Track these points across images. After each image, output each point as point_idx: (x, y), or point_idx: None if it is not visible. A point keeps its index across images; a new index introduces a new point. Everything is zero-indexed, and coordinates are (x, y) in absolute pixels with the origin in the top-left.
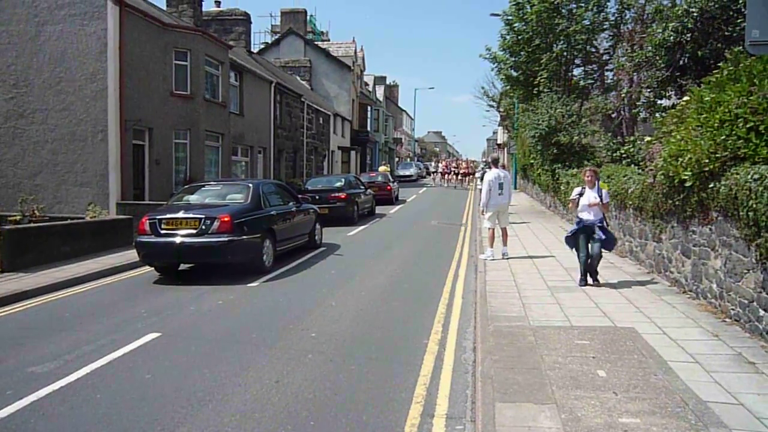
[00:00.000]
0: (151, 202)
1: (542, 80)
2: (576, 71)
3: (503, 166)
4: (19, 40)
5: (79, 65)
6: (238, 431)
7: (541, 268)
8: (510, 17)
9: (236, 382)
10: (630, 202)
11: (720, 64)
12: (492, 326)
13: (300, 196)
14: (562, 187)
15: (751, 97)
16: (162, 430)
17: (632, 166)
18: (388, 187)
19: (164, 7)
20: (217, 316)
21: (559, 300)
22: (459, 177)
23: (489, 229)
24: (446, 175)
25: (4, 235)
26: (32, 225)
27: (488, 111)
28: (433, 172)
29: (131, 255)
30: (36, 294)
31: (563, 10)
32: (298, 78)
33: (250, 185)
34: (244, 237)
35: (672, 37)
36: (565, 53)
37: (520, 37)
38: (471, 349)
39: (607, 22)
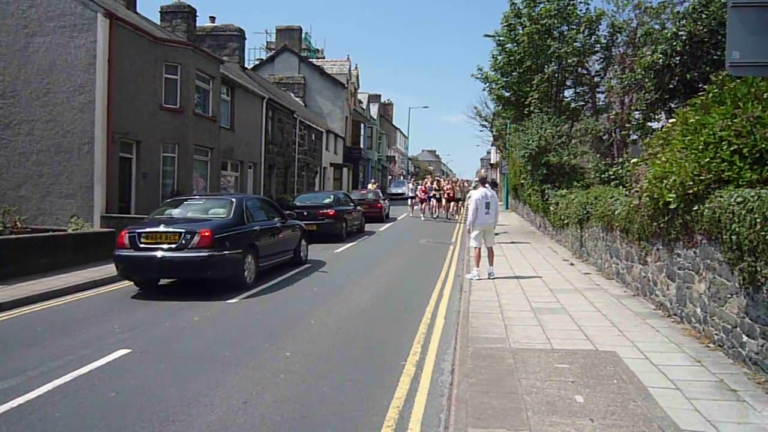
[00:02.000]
0: (136, 216)
1: (533, 101)
2: (567, 92)
3: (495, 185)
4: (7, 50)
5: (67, 77)
6: None
7: (526, 289)
8: (502, 38)
9: (203, 402)
10: (617, 224)
11: (706, 86)
12: (471, 348)
13: (288, 212)
14: (551, 208)
15: (735, 120)
16: None
17: (620, 187)
18: (379, 205)
19: (158, 22)
20: (192, 333)
21: (542, 322)
22: (444, 203)
23: (475, 248)
24: (424, 203)
25: None
26: (11, 237)
27: (481, 131)
28: (409, 197)
29: (112, 269)
30: (11, 307)
31: (555, 32)
32: (292, 95)
33: (233, 200)
34: (225, 252)
35: (661, 60)
36: (556, 74)
37: (511, 58)
38: (449, 371)
39: (598, 45)
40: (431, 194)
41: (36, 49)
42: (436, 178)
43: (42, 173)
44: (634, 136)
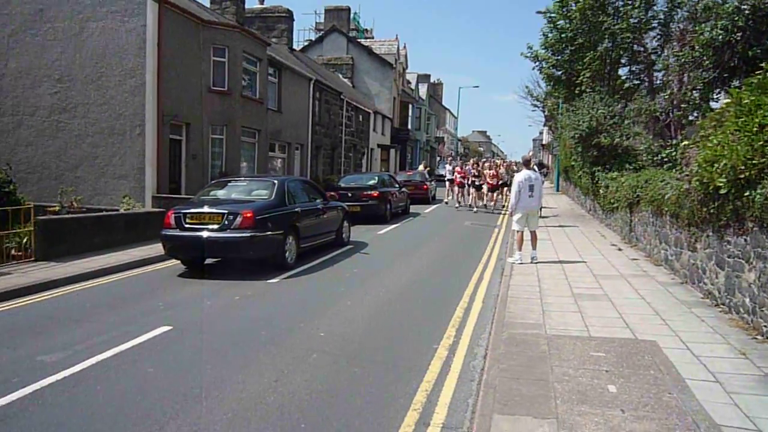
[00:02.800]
0: (185, 196)
1: (585, 80)
2: (621, 71)
3: (543, 167)
4: (63, 36)
5: (119, 61)
6: (226, 430)
7: (569, 274)
8: (553, 14)
9: (236, 379)
10: (666, 209)
11: (763, 64)
12: (506, 333)
13: (333, 193)
14: (601, 191)
15: None
16: (152, 425)
17: (673, 170)
18: (425, 187)
19: (207, 4)
20: (231, 311)
21: (582, 308)
22: (486, 192)
23: (518, 232)
24: (461, 188)
25: (39, 225)
26: (66, 216)
27: (533, 111)
28: (447, 180)
29: (161, 248)
30: (64, 283)
31: (609, 8)
32: (340, 75)
33: (275, 182)
34: (267, 233)
35: (721, 36)
36: (610, 52)
37: (563, 35)
38: (482, 356)
39: (655, 21)
40: (470, 180)
41: (90, 34)
42: (481, 160)
43: (97, 155)
44: (693, 117)
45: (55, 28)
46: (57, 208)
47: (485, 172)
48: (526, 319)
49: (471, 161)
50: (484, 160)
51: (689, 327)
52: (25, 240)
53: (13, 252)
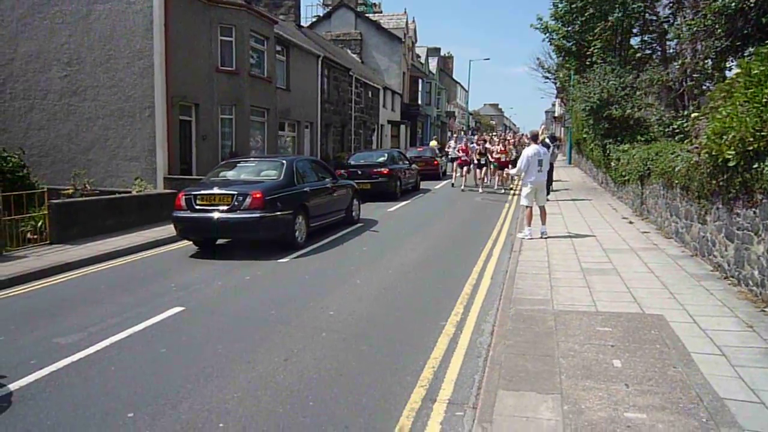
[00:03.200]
0: (196, 177)
1: (596, 51)
2: (633, 41)
3: (556, 139)
4: (71, 19)
5: (127, 43)
6: (237, 408)
7: (578, 248)
8: None
9: (246, 359)
10: (677, 181)
11: None
12: (513, 309)
13: (343, 171)
14: (612, 163)
15: None
16: (164, 404)
17: (684, 142)
18: (435, 162)
19: None
20: (242, 291)
21: (590, 283)
22: (493, 170)
23: (527, 207)
24: (465, 166)
25: (52, 208)
26: (79, 199)
27: (545, 83)
28: (450, 159)
29: (173, 229)
30: (78, 266)
31: None
32: (349, 51)
33: (284, 162)
34: (277, 213)
35: (734, 4)
36: (621, 22)
37: (573, 6)
38: (489, 333)
39: None
40: (473, 157)
41: (97, 17)
42: (489, 136)
43: (108, 137)
44: (706, 87)
45: (63, 11)
46: (70, 191)
47: (494, 147)
48: (534, 295)
49: (476, 136)
50: (495, 134)
51: (697, 300)
52: (39, 223)
53: (28, 235)
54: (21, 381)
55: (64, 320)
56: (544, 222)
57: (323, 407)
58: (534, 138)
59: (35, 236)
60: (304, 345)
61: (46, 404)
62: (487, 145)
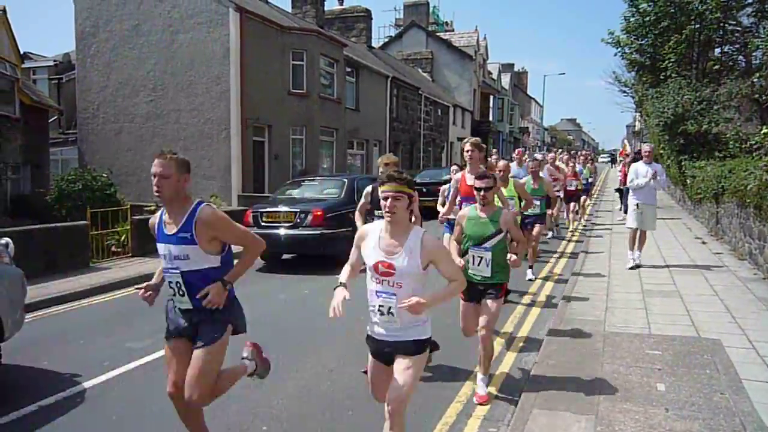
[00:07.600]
0: (268, 195)
1: (670, 64)
2: (711, 53)
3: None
4: (157, 48)
5: (206, 69)
6: (282, 412)
7: (643, 268)
8: None
9: (295, 368)
10: (749, 200)
11: None
12: (563, 329)
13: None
14: (687, 181)
15: None
16: (215, 407)
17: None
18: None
19: (289, 9)
20: (299, 304)
21: (649, 305)
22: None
23: (632, 230)
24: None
25: (134, 224)
26: None
27: (625, 96)
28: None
29: None
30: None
31: None
32: (420, 70)
33: (345, 180)
34: (337, 230)
35: None
36: (697, 34)
37: (646, 19)
38: (535, 352)
39: None
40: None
41: (179, 46)
42: (555, 153)
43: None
44: None
45: (149, 41)
46: (152, 208)
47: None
48: (587, 315)
49: (549, 155)
50: (560, 150)
51: (761, 326)
52: (123, 237)
53: (113, 248)
54: (94, 380)
55: (139, 327)
56: (640, 249)
57: (360, 415)
58: (637, 154)
59: (119, 249)
60: (349, 357)
61: (113, 401)
62: (558, 163)
